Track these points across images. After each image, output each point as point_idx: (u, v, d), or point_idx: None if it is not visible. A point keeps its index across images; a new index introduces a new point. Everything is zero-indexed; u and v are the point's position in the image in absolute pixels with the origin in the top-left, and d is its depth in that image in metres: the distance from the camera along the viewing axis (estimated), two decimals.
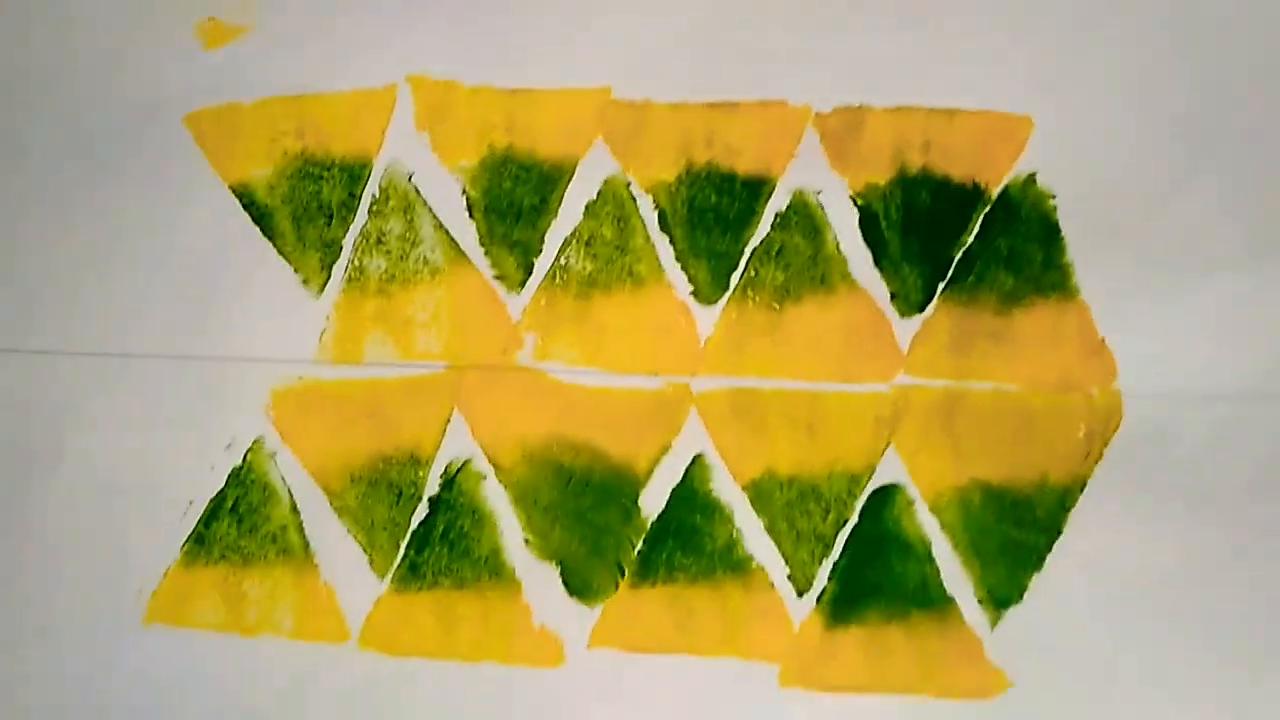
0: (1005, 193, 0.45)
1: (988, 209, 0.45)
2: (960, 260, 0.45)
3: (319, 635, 0.46)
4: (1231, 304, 0.44)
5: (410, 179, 0.47)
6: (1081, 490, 0.44)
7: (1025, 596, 0.44)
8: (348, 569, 0.46)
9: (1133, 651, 0.44)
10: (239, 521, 0.46)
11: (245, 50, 0.47)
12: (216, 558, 0.46)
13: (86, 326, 0.47)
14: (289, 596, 0.46)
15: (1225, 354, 0.44)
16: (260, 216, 0.47)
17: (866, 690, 0.44)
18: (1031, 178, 0.45)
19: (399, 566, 0.46)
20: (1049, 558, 0.44)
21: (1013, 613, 0.44)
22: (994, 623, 0.44)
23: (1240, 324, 0.44)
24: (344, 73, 0.47)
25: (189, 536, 0.46)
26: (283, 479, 0.46)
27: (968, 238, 0.45)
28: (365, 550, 0.46)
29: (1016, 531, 0.44)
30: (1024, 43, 0.45)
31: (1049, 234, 0.45)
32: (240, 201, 0.47)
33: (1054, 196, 0.45)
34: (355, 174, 0.47)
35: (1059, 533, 0.44)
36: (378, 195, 0.47)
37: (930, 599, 0.45)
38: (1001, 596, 0.44)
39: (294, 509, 0.46)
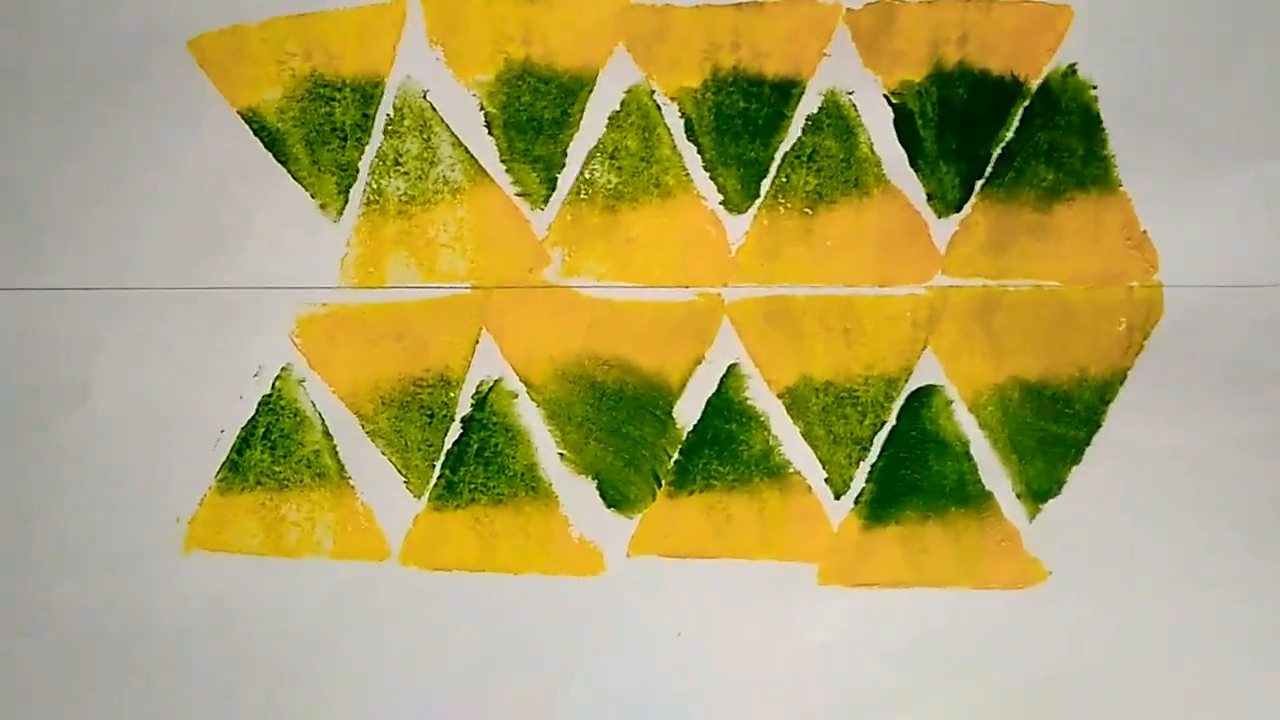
0: (1045, 85, 0.34)
1: (1027, 102, 0.34)
2: (999, 157, 0.34)
3: (360, 554, 0.35)
4: (1273, 192, 0.33)
5: (425, 96, 0.34)
6: (1121, 383, 0.34)
7: (1064, 489, 0.34)
8: (385, 490, 0.35)
9: (1171, 540, 0.34)
10: (272, 448, 0.35)
11: None
12: (252, 484, 0.35)
13: (103, 261, 0.34)
14: (328, 518, 0.35)
15: (1268, 242, 0.33)
16: (272, 141, 0.34)
17: (905, 584, 0.35)
18: (1072, 69, 0.34)
19: (435, 485, 0.35)
20: (1088, 450, 0.34)
21: (1051, 505, 0.34)
22: (1032, 515, 0.34)
23: None
24: None
25: (223, 464, 0.35)
26: (313, 404, 0.35)
27: (1006, 133, 0.34)
28: (400, 471, 0.35)
29: (1055, 426, 0.34)
30: None
31: (1090, 126, 0.34)
32: (250, 127, 0.34)
33: (1095, 87, 0.33)
34: (368, 94, 0.34)
35: (1098, 426, 0.34)
36: (392, 115, 0.34)
37: (968, 495, 0.34)
38: (1040, 490, 0.34)
39: (326, 434, 0.35)
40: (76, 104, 0.34)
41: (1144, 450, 0.34)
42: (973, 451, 0.35)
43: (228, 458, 0.35)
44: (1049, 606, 0.34)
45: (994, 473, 0.35)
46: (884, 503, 0.35)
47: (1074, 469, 0.34)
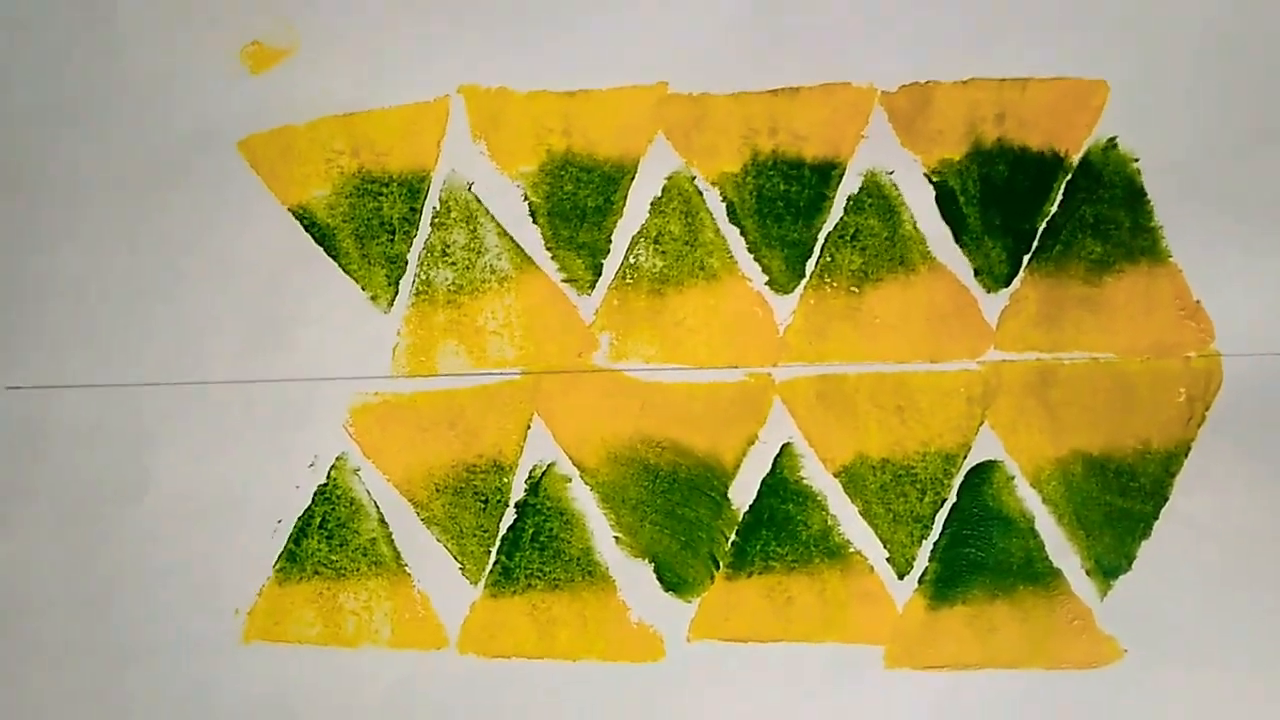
0: (1086, 159, 0.36)
1: (1069, 176, 0.36)
2: (1044, 230, 0.36)
3: (418, 643, 0.37)
4: None
5: (470, 189, 0.37)
6: (1186, 455, 0.35)
7: (1134, 565, 0.35)
8: (441, 577, 0.37)
9: (1245, 616, 0.35)
10: (329, 537, 0.37)
11: (292, 72, 0.37)
12: (310, 573, 0.37)
13: (161, 357, 0.38)
14: (385, 606, 0.37)
15: None
16: (322, 237, 0.38)
17: (975, 666, 0.36)
18: (1112, 142, 0.36)
19: (491, 571, 0.37)
20: (1156, 524, 0.35)
21: (1122, 581, 0.36)
22: (1103, 592, 0.36)
23: None
24: (394, 87, 0.37)
25: (280, 554, 0.37)
26: (368, 493, 0.37)
27: (1050, 207, 0.36)
28: (456, 558, 0.37)
29: (1122, 500, 0.35)
30: (1092, 3, 0.36)
31: (1135, 198, 0.35)
32: (301, 223, 0.38)
33: (1137, 159, 0.36)
34: (414, 188, 0.37)
35: (1165, 499, 0.35)
36: (439, 207, 0.37)
37: (1036, 573, 0.36)
38: (1110, 566, 0.36)
39: (382, 521, 0.37)
40: (133, 203, 0.38)
41: (1213, 523, 0.35)
42: (1038, 527, 0.36)
43: (285, 547, 0.38)
44: (1125, 686, 0.35)
45: (1061, 549, 0.36)
46: (949, 582, 0.36)
47: (1143, 543, 0.36)
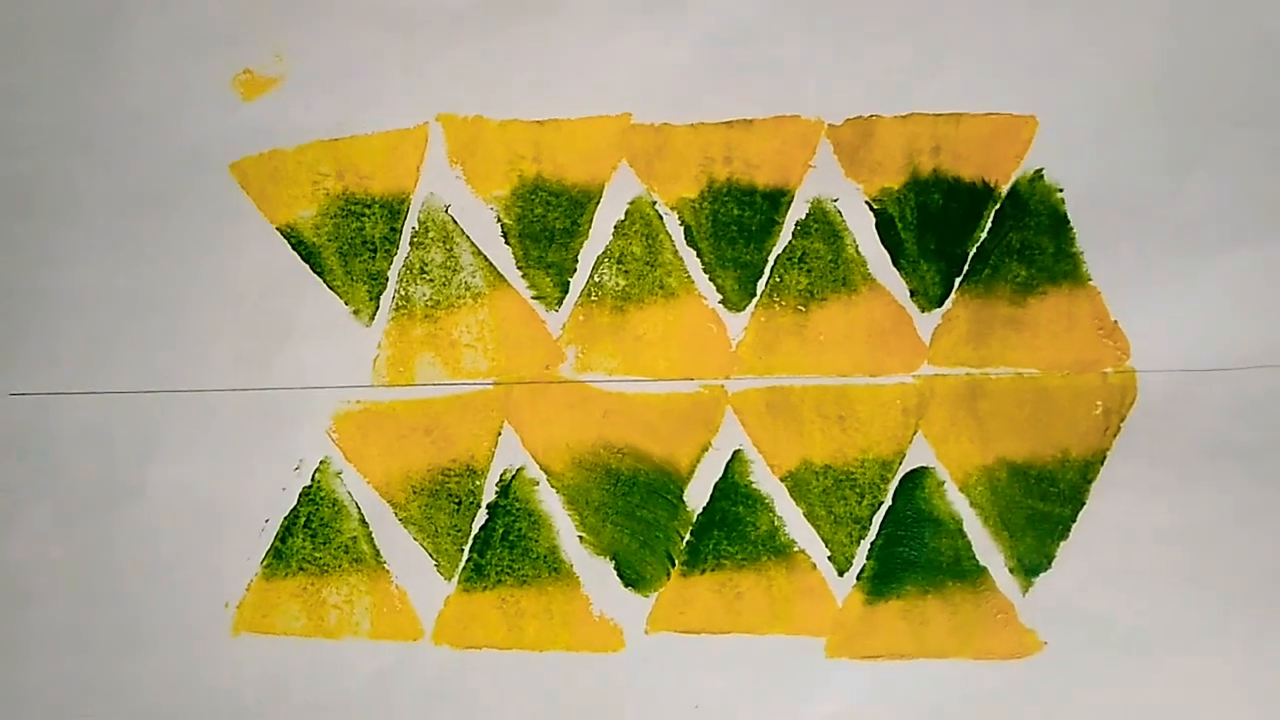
0: (1014, 189, 0.39)
1: (998, 206, 0.39)
2: (975, 255, 0.40)
3: (395, 635, 0.40)
4: (1237, 281, 0.39)
5: (447, 210, 0.40)
6: (1102, 463, 0.39)
7: (1054, 564, 0.39)
8: (417, 573, 0.40)
9: (1156, 611, 0.39)
10: (313, 536, 0.41)
11: (281, 99, 0.40)
12: (295, 570, 0.41)
13: (157, 367, 0.41)
14: (365, 600, 0.40)
15: (1232, 328, 0.38)
16: (308, 254, 0.41)
17: (908, 656, 0.39)
18: (1039, 173, 0.39)
19: (464, 568, 0.40)
20: (1074, 527, 0.39)
21: (1043, 579, 0.39)
22: (1025, 589, 0.39)
23: (1246, 299, 0.38)
24: (376, 115, 0.40)
25: (267, 552, 0.41)
26: (350, 494, 0.41)
27: (980, 234, 0.40)
28: (432, 555, 0.40)
29: (1042, 504, 0.39)
30: (1023, 44, 0.39)
31: (1059, 226, 0.39)
32: (289, 241, 0.41)
33: (1061, 190, 0.39)
34: (395, 209, 0.40)
35: (1083, 503, 0.39)
36: (417, 228, 0.40)
37: (964, 570, 0.39)
38: (1032, 565, 0.39)
39: (363, 521, 0.41)
40: (132, 222, 0.41)
41: (1128, 526, 0.39)
42: (966, 529, 0.40)
43: (272, 545, 0.41)
44: (1046, 676, 0.39)
45: (987, 549, 0.39)
46: (885, 579, 0.40)
47: (1062, 544, 0.39)
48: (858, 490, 0.39)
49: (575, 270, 0.40)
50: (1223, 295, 0.38)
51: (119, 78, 0.41)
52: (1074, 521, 0.39)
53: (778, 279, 0.40)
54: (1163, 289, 0.38)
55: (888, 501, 0.40)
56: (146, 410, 0.41)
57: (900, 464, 0.39)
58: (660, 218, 0.40)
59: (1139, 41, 0.39)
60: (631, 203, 0.40)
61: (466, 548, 0.40)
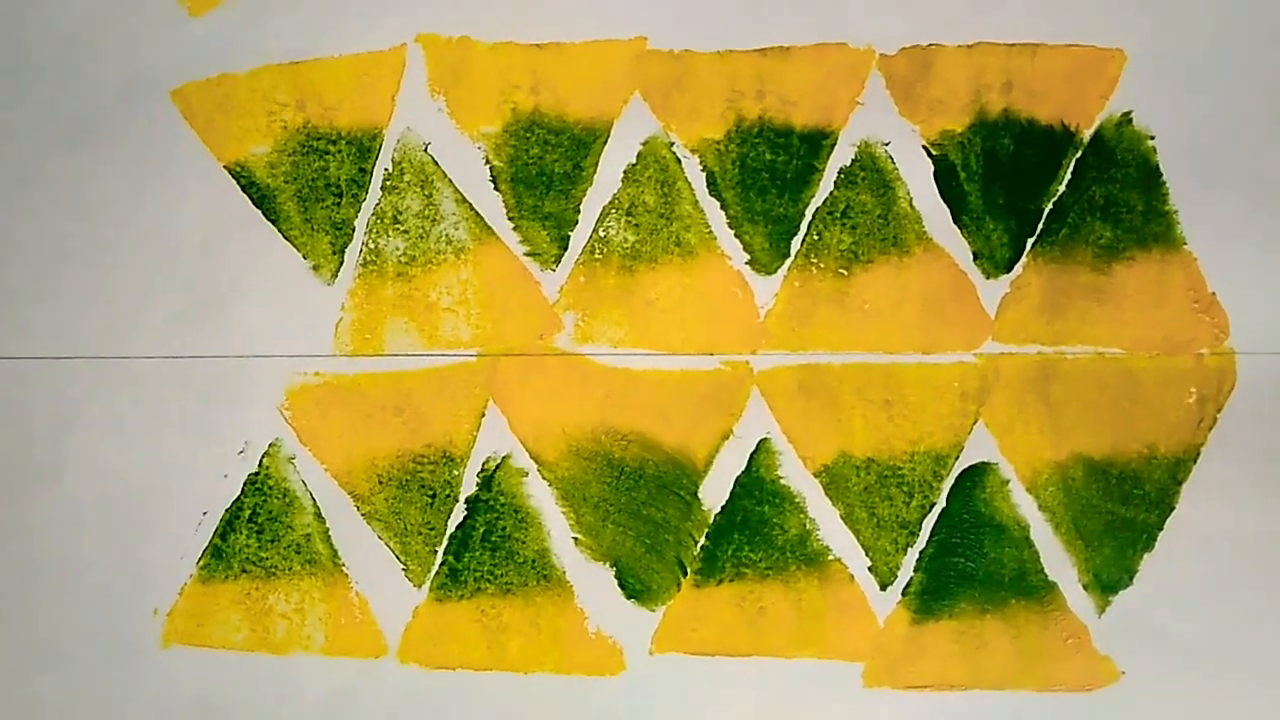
0: (1098, 135, 0.36)
1: (1079, 154, 0.36)
2: (1051, 212, 0.37)
3: (354, 650, 0.37)
4: None
5: (426, 149, 0.37)
6: (1195, 461, 0.36)
7: (1135, 579, 0.36)
8: (381, 578, 0.37)
9: (1253, 635, 0.36)
10: (259, 532, 0.37)
11: (235, 15, 0.37)
12: (237, 572, 0.37)
13: (81, 328, 0.37)
14: (319, 610, 0.37)
15: None
16: (261, 198, 0.37)
17: (961, 687, 0.36)
18: (1127, 117, 0.36)
19: (437, 574, 0.37)
20: (1160, 536, 0.36)
21: (1122, 597, 0.36)
22: (1101, 609, 0.36)
23: None
24: (346, 35, 0.37)
25: (205, 550, 0.37)
26: (304, 484, 0.37)
27: (1058, 187, 0.37)
28: (399, 558, 0.37)
29: (1124, 509, 0.36)
30: None
31: (1149, 179, 0.36)
32: (238, 183, 0.37)
33: (1152, 137, 0.36)
34: (364, 147, 0.37)
35: (1171, 508, 0.36)
36: (391, 169, 0.37)
37: (1029, 586, 0.36)
38: (1109, 580, 0.36)
39: (319, 516, 0.37)
40: (55, 158, 0.37)
41: (1222, 534, 0.36)
42: (1033, 537, 0.37)
43: (210, 542, 0.37)
44: (1122, 710, 0.36)
45: (1057, 560, 0.36)
46: (935, 594, 0.37)
47: (1146, 556, 0.36)
48: (905, 489, 0.37)
49: (576, 223, 0.37)
50: None
51: None
52: (1160, 530, 0.36)
53: (816, 237, 0.37)
54: (1269, 256, 0.36)
55: (941, 503, 0.37)
56: (67, 379, 0.37)
57: (957, 458, 0.37)
58: (678, 162, 0.37)
59: None
60: (645, 144, 0.37)
61: (440, 549, 0.37)
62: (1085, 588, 0.36)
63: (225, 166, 0.37)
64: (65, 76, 0.37)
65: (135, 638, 0.37)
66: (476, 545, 0.37)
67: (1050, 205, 0.37)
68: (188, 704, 0.37)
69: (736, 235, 0.37)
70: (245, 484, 0.37)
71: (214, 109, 0.37)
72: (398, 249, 0.37)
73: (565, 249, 0.37)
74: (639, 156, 0.37)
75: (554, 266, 0.37)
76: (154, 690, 0.37)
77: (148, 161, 0.37)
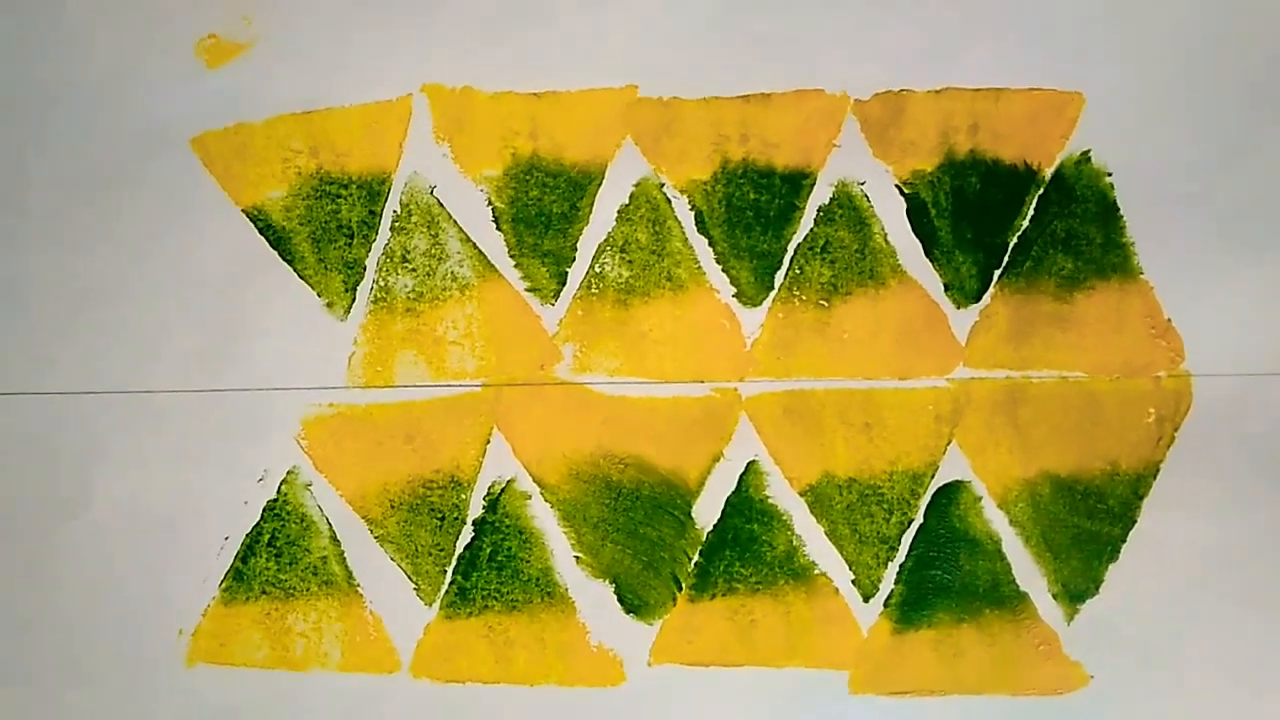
0: (1059, 172, 0.38)
1: (1041, 190, 0.38)
2: (1015, 245, 0.39)
3: (369, 666, 0.39)
4: None
5: (432, 192, 0.39)
6: (1155, 477, 0.38)
7: (1102, 588, 0.38)
8: (394, 597, 0.39)
9: (1215, 639, 0.38)
10: (278, 555, 0.39)
11: (250, 67, 0.39)
12: (257, 593, 0.39)
13: (105, 364, 0.39)
14: (335, 628, 0.39)
15: None
16: (277, 240, 0.39)
17: (940, 692, 0.38)
18: (1085, 155, 0.38)
19: (447, 592, 0.39)
20: (1124, 547, 0.38)
21: (1089, 605, 0.38)
22: (1070, 617, 0.38)
23: None
24: (355, 85, 0.39)
25: (227, 573, 0.39)
26: (320, 509, 0.39)
27: (1022, 222, 0.38)
28: (411, 578, 0.39)
29: (1089, 523, 0.38)
30: (1070, 14, 0.38)
31: (1107, 213, 0.38)
32: (255, 225, 0.39)
33: (1110, 174, 0.38)
34: (374, 190, 0.39)
35: (1134, 521, 0.38)
36: (399, 211, 0.39)
37: (1002, 596, 0.38)
38: (1077, 590, 0.38)
39: (334, 539, 0.39)
40: (80, 203, 0.39)
41: (1183, 546, 0.38)
42: (1005, 550, 0.38)
43: (232, 566, 0.39)
44: (1092, 712, 0.37)
45: (1028, 572, 0.38)
46: (915, 605, 0.38)
47: (1111, 567, 0.38)
48: (885, 506, 0.38)
49: (574, 260, 0.39)
50: None
51: (70, 42, 0.39)
52: (1124, 541, 0.38)
53: (798, 271, 0.39)
54: (1221, 284, 0.37)
55: (919, 519, 0.38)
56: (94, 413, 0.39)
57: (932, 477, 0.38)
58: (668, 201, 0.39)
59: (1193, 11, 0.38)
60: (637, 185, 0.39)
61: (450, 569, 0.39)
62: (1055, 597, 0.38)
63: (243, 210, 0.39)
64: (91, 125, 0.39)
65: (161, 657, 0.39)
66: (484, 565, 0.39)
67: (1015, 239, 0.38)
68: (213, 719, 0.39)
69: (724, 270, 0.39)
70: (264, 510, 0.39)
71: (231, 156, 0.39)
72: (406, 286, 0.39)
73: (564, 284, 0.39)
74: (631, 197, 0.39)
75: (553, 301, 0.39)
76: (180, 707, 0.39)
77: (169, 206, 0.39)
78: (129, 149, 0.39)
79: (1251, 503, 0.37)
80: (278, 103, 0.39)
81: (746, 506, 0.38)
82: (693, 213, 0.39)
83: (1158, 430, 0.37)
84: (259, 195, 0.39)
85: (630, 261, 0.39)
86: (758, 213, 0.39)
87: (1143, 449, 0.38)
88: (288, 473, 0.39)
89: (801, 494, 0.38)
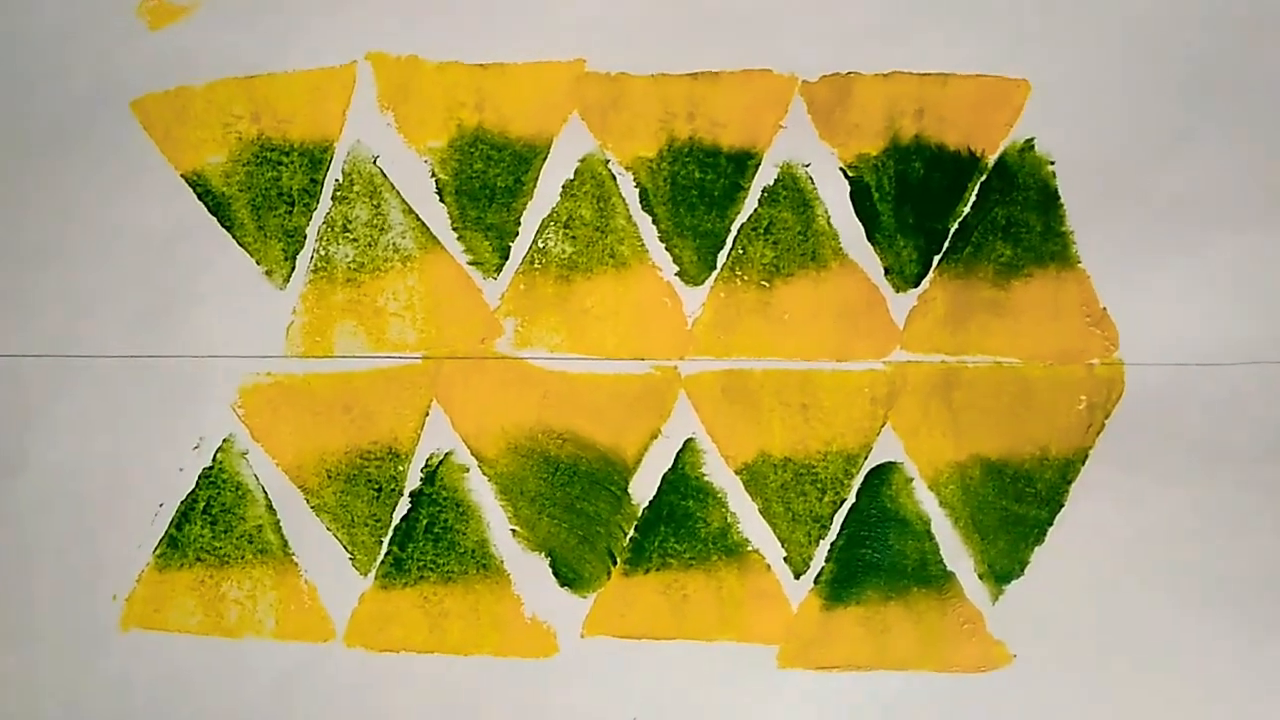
0: (1002, 159, 0.38)
1: (984, 177, 0.39)
2: (956, 231, 0.39)
3: (303, 635, 0.39)
4: (1235, 268, 0.38)
5: (375, 162, 0.39)
6: (1083, 462, 0.38)
7: (1027, 570, 0.38)
8: (329, 567, 0.39)
9: (1137, 623, 0.38)
10: (213, 523, 0.39)
11: (193, 30, 0.39)
12: (192, 560, 0.39)
13: (42, 328, 0.39)
14: (270, 596, 0.39)
15: (1229, 320, 0.38)
16: (217, 206, 0.39)
17: (866, 667, 0.39)
18: (1029, 143, 0.38)
19: (382, 562, 0.39)
20: (1051, 531, 0.38)
21: (1014, 587, 0.38)
22: (995, 597, 0.39)
23: (1244, 288, 0.38)
24: (300, 51, 0.39)
25: (161, 540, 0.39)
26: (256, 478, 0.39)
27: (964, 208, 0.39)
28: (346, 547, 0.39)
29: (1017, 506, 0.38)
30: (1019, 1, 0.38)
31: (1048, 201, 0.38)
32: (195, 191, 0.39)
33: (1052, 162, 0.38)
34: (316, 158, 0.39)
35: (1061, 506, 0.38)
36: (341, 180, 0.39)
37: (930, 576, 0.39)
38: (1003, 571, 0.38)
39: (270, 508, 0.39)
40: (16, 164, 0.39)
41: (1108, 531, 0.38)
42: (934, 531, 0.39)
43: (166, 532, 0.39)
44: (1014, 691, 0.38)
45: (956, 553, 0.39)
46: (844, 582, 0.39)
47: (1037, 549, 0.38)
48: (819, 486, 0.39)
49: (517, 234, 0.39)
50: (1221, 283, 0.38)
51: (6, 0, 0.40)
52: (1050, 525, 0.38)
53: (740, 251, 0.39)
54: (1157, 275, 0.38)
55: (851, 499, 0.39)
56: (29, 377, 0.38)
57: (866, 458, 0.39)
58: (614, 178, 0.39)
59: (1142, 3, 0.38)
60: (582, 160, 0.39)
61: (386, 540, 0.39)
62: (981, 578, 0.38)
63: (182, 175, 0.39)
64: (30, 86, 0.39)
65: (96, 622, 0.38)
66: (420, 536, 0.39)
67: (956, 225, 0.39)
68: (146, 684, 0.39)
69: (667, 248, 0.39)
70: (200, 478, 0.39)
71: (172, 119, 0.39)
72: (347, 256, 0.39)
73: (506, 258, 0.39)
74: (577, 173, 0.39)
75: (496, 275, 0.39)
76: (114, 671, 0.38)
77: (109, 169, 0.39)
78: (68, 110, 0.39)
79: (1177, 492, 0.38)
80: (220, 66, 0.39)
81: (683, 483, 0.39)
82: (637, 190, 0.39)
83: (1088, 417, 0.38)
84: (199, 160, 0.39)
85: (574, 237, 0.39)
86: (702, 192, 0.39)
87: (1073, 435, 0.38)
88: (224, 441, 0.39)
89: (737, 472, 0.39)
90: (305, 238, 0.39)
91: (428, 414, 0.39)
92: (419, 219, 0.39)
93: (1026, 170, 0.38)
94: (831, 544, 0.39)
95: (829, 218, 0.39)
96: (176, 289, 0.38)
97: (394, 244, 0.39)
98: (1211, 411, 0.38)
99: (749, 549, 0.39)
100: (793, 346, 0.39)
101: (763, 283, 0.39)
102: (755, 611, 0.39)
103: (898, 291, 0.39)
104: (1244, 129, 0.38)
